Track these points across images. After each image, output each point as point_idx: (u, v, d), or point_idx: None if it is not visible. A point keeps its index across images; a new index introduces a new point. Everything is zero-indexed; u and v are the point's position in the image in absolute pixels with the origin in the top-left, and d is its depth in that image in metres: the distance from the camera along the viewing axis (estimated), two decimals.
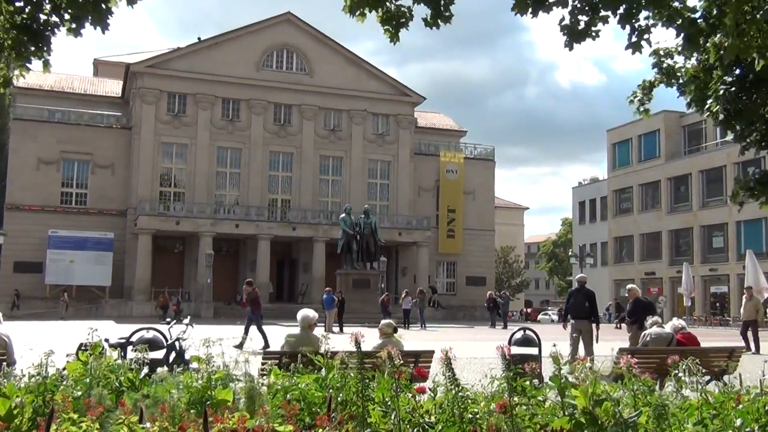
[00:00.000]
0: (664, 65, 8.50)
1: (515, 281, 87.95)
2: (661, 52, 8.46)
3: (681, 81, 8.84)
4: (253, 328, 19.98)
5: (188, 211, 51.44)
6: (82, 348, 7.13)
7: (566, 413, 4.56)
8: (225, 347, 7.14)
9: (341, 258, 43.31)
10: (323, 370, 6.96)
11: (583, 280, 15.54)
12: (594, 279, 57.04)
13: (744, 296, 21.75)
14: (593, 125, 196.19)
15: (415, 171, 60.81)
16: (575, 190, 75.65)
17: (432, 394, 5.20)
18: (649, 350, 9.14)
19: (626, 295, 16.92)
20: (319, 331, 8.86)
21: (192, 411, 5.16)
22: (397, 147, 60.25)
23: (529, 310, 75.48)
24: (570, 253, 65.68)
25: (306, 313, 9.08)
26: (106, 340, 7.93)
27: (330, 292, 32.47)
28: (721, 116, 8.76)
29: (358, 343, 4.96)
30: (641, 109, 8.78)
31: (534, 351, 8.98)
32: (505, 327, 36.72)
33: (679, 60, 8.79)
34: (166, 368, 6.71)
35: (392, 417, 4.65)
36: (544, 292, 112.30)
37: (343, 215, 40.79)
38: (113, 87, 61.46)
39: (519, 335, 9.44)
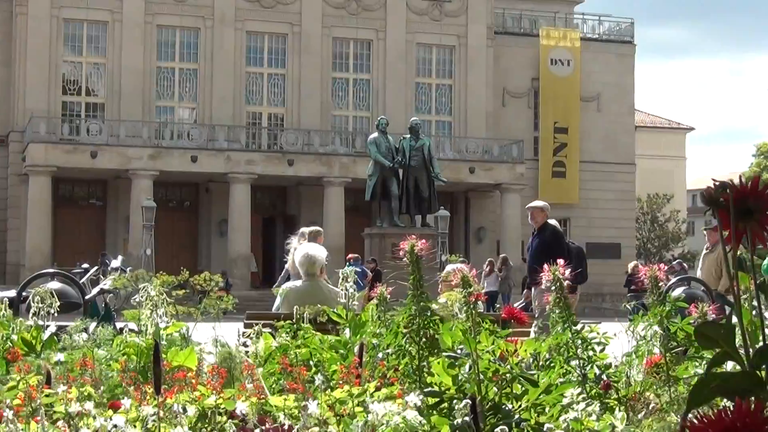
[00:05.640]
0: None
1: (671, 253, 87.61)
2: None
3: None
4: None
5: (111, 136, 51.96)
6: None
7: None
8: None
9: (372, 209, 43.33)
10: (347, 330, 7.11)
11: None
12: None
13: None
14: None
15: (497, 63, 60.62)
16: None
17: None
18: None
19: (530, 220, 15.89)
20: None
21: (131, 387, 5.31)
22: (465, 22, 60.03)
23: None
24: None
25: (312, 252, 9.18)
26: None
27: (357, 260, 32.46)
28: None
29: (414, 254, 5.05)
30: None
31: None
32: None
33: None
34: (84, 335, 6.90)
35: (466, 368, 4.75)
36: None
37: (375, 135, 40.56)
38: None
39: (678, 291, 9.49)
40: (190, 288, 7.72)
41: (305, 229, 15.66)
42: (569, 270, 5.19)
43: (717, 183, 1.66)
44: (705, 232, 21.62)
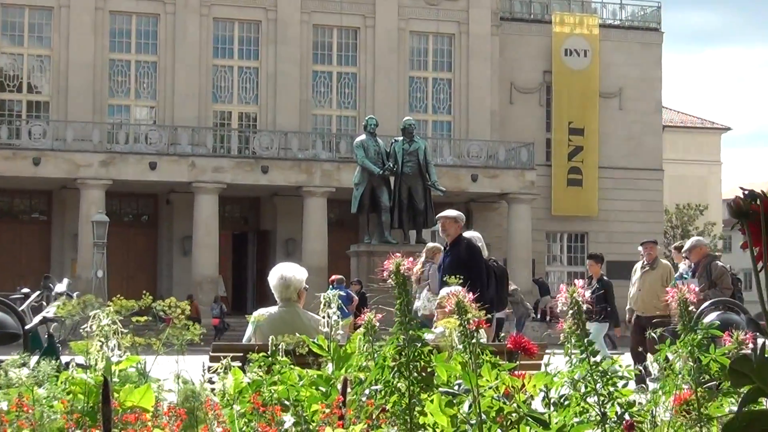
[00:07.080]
0: None
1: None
2: None
3: None
4: None
5: (57, 140, 51.95)
6: None
7: None
8: None
9: (359, 223, 43.28)
10: (330, 364, 7.12)
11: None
12: None
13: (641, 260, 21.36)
14: None
15: (504, 54, 60.72)
16: None
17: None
18: None
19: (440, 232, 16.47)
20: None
21: (77, 431, 5.30)
22: (466, 7, 60.13)
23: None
24: None
25: (288, 272, 9.16)
26: None
27: (341, 283, 32.55)
28: None
29: (399, 273, 5.03)
30: None
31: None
32: None
33: None
34: (23, 370, 6.87)
35: (465, 407, 4.74)
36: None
37: (362, 138, 40.74)
38: None
39: (712, 317, 9.49)
40: (154, 316, 7.65)
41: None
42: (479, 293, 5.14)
43: (746, 192, 1.65)
44: (641, 247, 21.36)
